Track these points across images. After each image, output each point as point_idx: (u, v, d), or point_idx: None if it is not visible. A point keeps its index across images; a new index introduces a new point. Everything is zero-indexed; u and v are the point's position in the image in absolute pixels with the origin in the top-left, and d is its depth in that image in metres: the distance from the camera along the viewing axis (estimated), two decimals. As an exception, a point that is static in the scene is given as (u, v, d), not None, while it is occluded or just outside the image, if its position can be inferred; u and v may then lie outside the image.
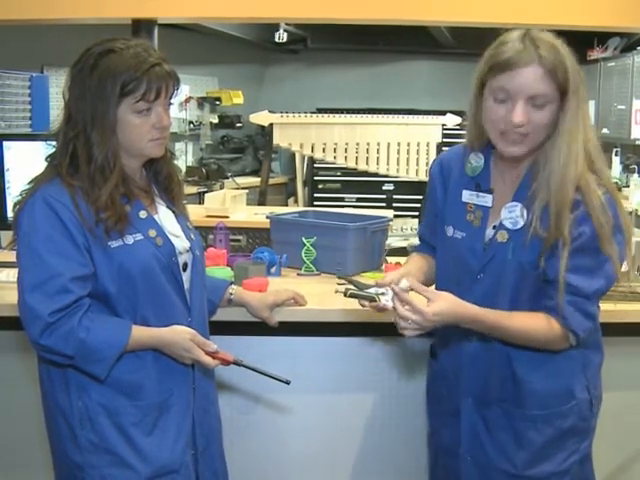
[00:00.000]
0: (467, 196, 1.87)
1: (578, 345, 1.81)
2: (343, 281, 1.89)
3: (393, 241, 3.29)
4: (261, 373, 1.92)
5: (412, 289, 1.75)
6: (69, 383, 1.79)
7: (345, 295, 1.85)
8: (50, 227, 1.71)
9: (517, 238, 1.77)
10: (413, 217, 4.94)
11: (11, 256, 2.49)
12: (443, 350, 2.00)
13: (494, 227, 1.82)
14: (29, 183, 1.80)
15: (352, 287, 1.87)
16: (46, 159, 1.82)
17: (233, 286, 2.21)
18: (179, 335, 1.81)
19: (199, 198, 5.78)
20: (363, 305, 1.85)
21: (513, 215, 1.78)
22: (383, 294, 1.80)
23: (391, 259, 2.91)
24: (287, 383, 1.92)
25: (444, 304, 1.71)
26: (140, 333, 1.77)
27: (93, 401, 1.78)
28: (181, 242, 1.90)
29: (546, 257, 1.73)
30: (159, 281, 1.81)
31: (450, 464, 1.98)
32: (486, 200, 1.84)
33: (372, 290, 1.82)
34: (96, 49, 1.76)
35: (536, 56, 1.65)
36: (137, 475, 1.80)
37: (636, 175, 5.69)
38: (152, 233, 1.82)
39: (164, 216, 1.90)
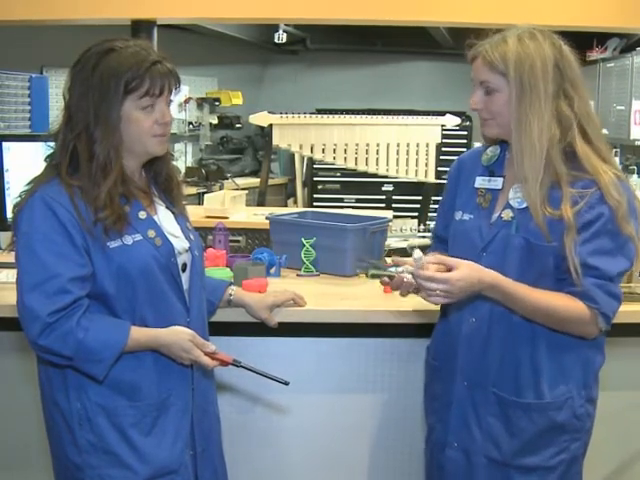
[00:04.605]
0: (479, 182, 1.94)
1: (597, 337, 1.84)
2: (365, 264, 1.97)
3: (393, 242, 3.30)
4: (260, 374, 1.92)
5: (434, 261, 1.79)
6: (68, 384, 1.79)
7: (367, 275, 1.91)
8: (49, 227, 1.71)
9: (522, 216, 1.82)
10: (413, 218, 4.94)
11: (11, 257, 2.50)
12: (439, 342, 2.03)
13: (503, 208, 1.87)
14: (28, 184, 1.80)
15: (373, 268, 1.95)
16: (45, 159, 1.82)
17: (233, 287, 2.21)
18: (178, 336, 1.81)
19: (198, 199, 5.78)
20: (384, 282, 1.94)
21: (519, 195, 1.84)
22: (403, 272, 1.86)
23: (391, 260, 2.90)
24: (286, 384, 1.92)
25: (466, 270, 1.74)
26: (139, 334, 1.77)
27: (92, 401, 1.78)
28: (180, 242, 1.90)
29: (560, 239, 1.76)
30: (158, 282, 1.81)
31: (444, 460, 1.99)
32: (497, 183, 1.91)
33: (392, 269, 1.90)
34: (96, 49, 1.77)
35: (481, 50, 1.83)
36: (136, 476, 1.80)
37: (636, 176, 5.69)
38: (151, 233, 1.82)
39: (163, 216, 1.89)
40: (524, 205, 1.82)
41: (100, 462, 1.79)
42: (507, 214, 1.85)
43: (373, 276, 1.93)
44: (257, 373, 1.92)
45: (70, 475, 1.83)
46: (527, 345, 1.85)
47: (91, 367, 1.74)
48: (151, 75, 1.75)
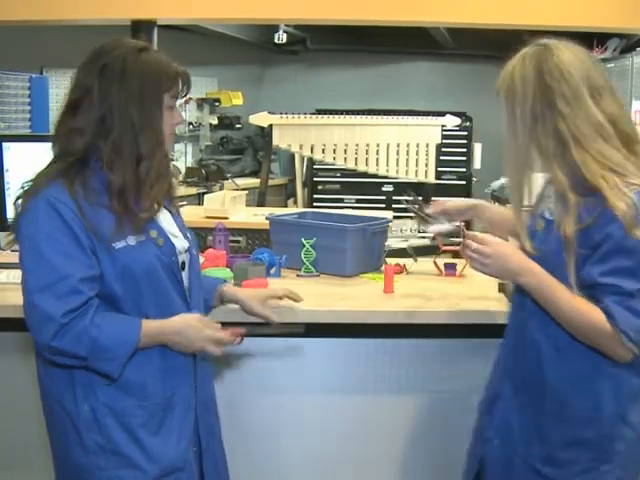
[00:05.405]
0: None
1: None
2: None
3: (393, 242, 3.29)
4: (274, 335, 1.98)
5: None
6: (75, 385, 1.78)
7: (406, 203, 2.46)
8: (54, 228, 1.71)
9: (548, 228, 1.81)
10: (413, 218, 4.93)
11: (11, 257, 2.49)
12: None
13: (538, 217, 1.87)
14: (30, 182, 1.79)
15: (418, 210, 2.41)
16: (56, 156, 1.80)
17: (226, 283, 2.20)
18: (186, 320, 1.83)
19: (198, 199, 5.78)
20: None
21: (552, 206, 1.83)
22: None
23: (391, 260, 2.91)
24: (301, 330, 1.92)
25: (510, 244, 1.82)
26: (149, 327, 1.78)
27: (100, 402, 1.78)
28: (180, 242, 1.91)
29: (578, 262, 1.73)
30: (162, 281, 1.82)
31: (484, 453, 1.97)
32: (547, 188, 1.89)
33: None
34: (127, 46, 1.79)
35: None
36: (145, 475, 1.80)
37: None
38: (153, 234, 1.83)
39: (162, 216, 1.90)
40: (552, 217, 1.80)
41: (108, 463, 1.78)
42: (539, 224, 1.85)
43: (413, 213, 2.41)
44: (271, 335, 1.97)
45: (75, 476, 1.82)
46: (556, 358, 1.81)
47: (106, 365, 1.73)
48: (182, 75, 1.83)
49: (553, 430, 1.83)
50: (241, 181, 6.44)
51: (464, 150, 6.72)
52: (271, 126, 4.83)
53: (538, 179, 1.90)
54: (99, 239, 1.73)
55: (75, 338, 1.69)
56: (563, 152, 1.76)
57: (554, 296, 1.76)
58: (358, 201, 6.63)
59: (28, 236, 1.73)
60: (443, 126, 5.08)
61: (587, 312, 1.73)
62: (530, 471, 1.86)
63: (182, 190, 5.77)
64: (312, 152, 4.93)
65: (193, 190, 5.98)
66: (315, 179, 6.79)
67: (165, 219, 1.91)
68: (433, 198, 2.18)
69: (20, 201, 1.79)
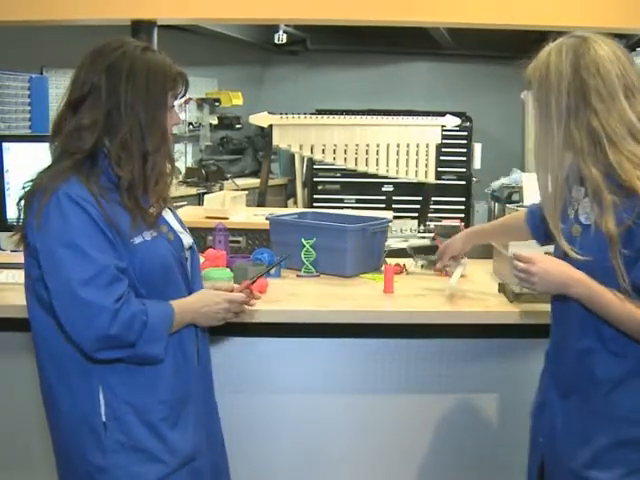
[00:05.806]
0: (574, 190, 1.88)
1: None
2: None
3: (393, 242, 3.29)
4: (267, 271, 2.25)
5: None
6: (92, 385, 1.78)
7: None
8: (82, 223, 1.71)
9: (586, 233, 1.79)
10: (412, 218, 4.93)
11: (11, 257, 2.49)
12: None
13: (573, 222, 1.84)
14: (35, 179, 1.78)
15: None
16: (62, 153, 1.79)
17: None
18: (202, 292, 1.91)
19: (198, 199, 5.78)
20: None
21: (588, 210, 1.80)
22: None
23: (391, 260, 2.91)
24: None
25: (554, 260, 1.81)
26: (176, 304, 1.82)
27: (120, 401, 1.78)
28: (185, 238, 1.94)
29: (624, 264, 1.71)
30: (175, 275, 1.86)
31: (536, 453, 1.97)
32: (580, 193, 1.84)
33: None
34: (130, 46, 1.80)
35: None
36: (167, 468, 1.81)
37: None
38: (164, 229, 1.86)
39: (166, 213, 1.93)
40: (589, 222, 1.78)
41: (129, 460, 1.78)
42: (576, 229, 1.82)
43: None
44: (267, 272, 2.22)
45: (88, 478, 1.80)
46: (601, 360, 1.80)
47: (154, 347, 1.76)
48: (181, 77, 1.85)
49: (599, 431, 1.80)
50: (241, 181, 6.44)
51: (464, 150, 6.71)
52: (271, 126, 4.82)
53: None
54: (119, 235, 1.75)
55: (126, 324, 1.70)
56: (596, 150, 1.75)
57: (603, 301, 1.74)
58: (358, 201, 6.63)
59: (57, 232, 1.71)
60: (443, 126, 5.07)
61: (638, 314, 1.72)
62: (574, 478, 1.83)
63: (182, 190, 5.78)
64: (312, 152, 4.92)
65: (193, 190, 5.98)
66: (315, 179, 6.79)
67: (168, 215, 1.93)
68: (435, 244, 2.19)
69: (24, 200, 1.78)
